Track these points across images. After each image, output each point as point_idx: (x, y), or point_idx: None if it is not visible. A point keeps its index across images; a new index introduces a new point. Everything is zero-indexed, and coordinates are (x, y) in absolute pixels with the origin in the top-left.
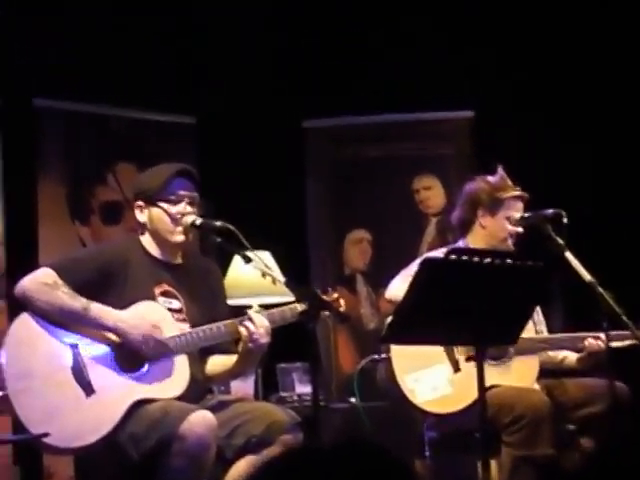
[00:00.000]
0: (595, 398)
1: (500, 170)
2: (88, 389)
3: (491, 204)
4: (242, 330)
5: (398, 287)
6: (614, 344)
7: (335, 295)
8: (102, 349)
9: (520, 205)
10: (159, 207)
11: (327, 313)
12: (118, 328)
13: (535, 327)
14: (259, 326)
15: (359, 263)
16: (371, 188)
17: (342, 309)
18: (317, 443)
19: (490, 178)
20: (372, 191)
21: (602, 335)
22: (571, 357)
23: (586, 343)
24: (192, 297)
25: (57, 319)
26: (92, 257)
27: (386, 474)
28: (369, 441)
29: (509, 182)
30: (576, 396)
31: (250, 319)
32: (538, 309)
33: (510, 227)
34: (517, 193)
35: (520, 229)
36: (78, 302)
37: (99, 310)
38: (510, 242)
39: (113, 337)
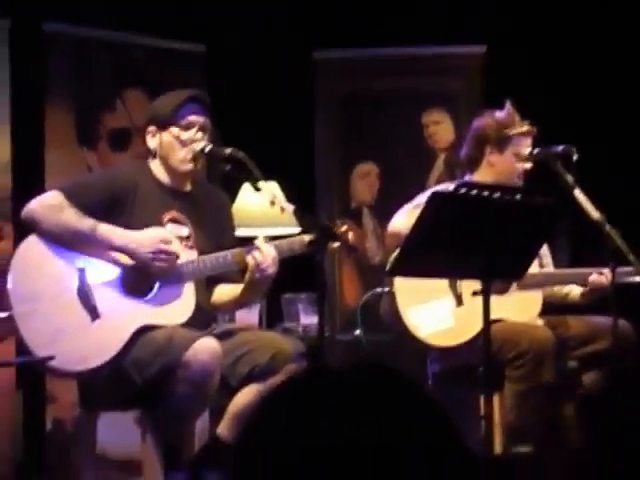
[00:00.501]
0: (598, 335)
1: (508, 105)
2: (93, 313)
3: (499, 141)
4: (249, 259)
5: (401, 221)
6: (620, 280)
7: (344, 227)
8: (109, 273)
9: (529, 141)
10: (170, 132)
11: (335, 245)
12: (127, 246)
13: (541, 260)
14: (267, 256)
15: (366, 196)
16: (380, 121)
17: (351, 241)
18: (326, 365)
19: (498, 114)
20: (381, 124)
21: (606, 271)
22: (575, 291)
23: (590, 278)
24: (200, 225)
25: (64, 240)
26: (101, 181)
27: (402, 396)
28: (383, 364)
29: (517, 117)
30: (579, 333)
31: (258, 249)
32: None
33: (518, 164)
34: (525, 129)
35: (529, 165)
36: (85, 222)
37: (107, 230)
38: (519, 180)
39: (122, 257)
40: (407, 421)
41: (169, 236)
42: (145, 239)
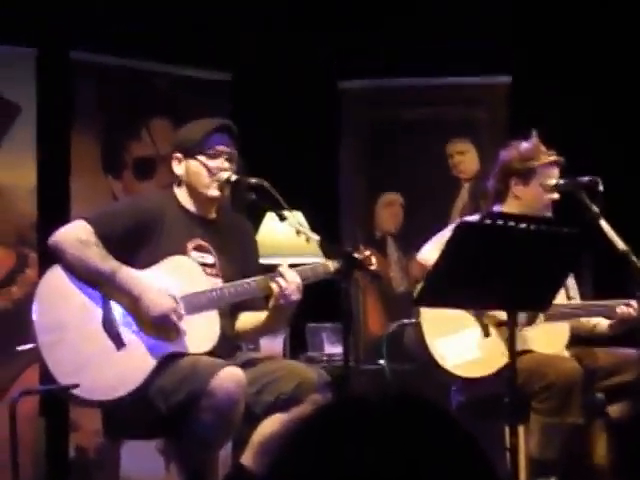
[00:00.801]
0: (625, 367)
1: (534, 136)
2: (119, 342)
3: (524, 173)
4: (273, 286)
5: (430, 250)
6: None
7: (367, 252)
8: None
9: (555, 171)
10: (197, 160)
11: (359, 273)
12: (141, 301)
13: (568, 293)
14: (291, 282)
15: (390, 226)
16: (405, 151)
17: (373, 267)
18: (355, 396)
19: (523, 145)
20: (406, 154)
21: (634, 302)
22: (603, 323)
23: (618, 310)
24: (225, 252)
25: (84, 276)
26: (128, 211)
27: (432, 424)
28: (412, 393)
29: (542, 148)
30: (606, 364)
31: (281, 275)
32: (571, 275)
33: (545, 195)
34: (551, 159)
35: (556, 195)
36: (108, 265)
37: (126, 277)
38: (546, 211)
39: (136, 304)
40: (437, 450)
41: (190, 273)
42: (158, 300)
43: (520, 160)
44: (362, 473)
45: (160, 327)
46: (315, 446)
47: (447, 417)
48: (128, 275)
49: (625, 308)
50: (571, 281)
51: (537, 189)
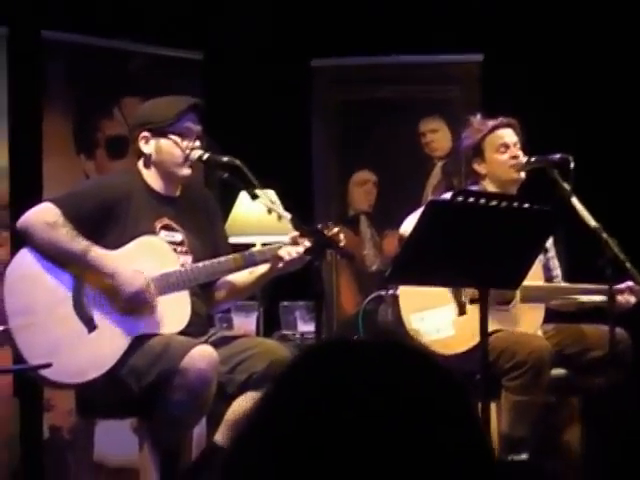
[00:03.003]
0: (596, 343)
1: (472, 119)
2: (90, 324)
3: (477, 150)
4: (281, 252)
5: (412, 223)
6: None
7: (335, 229)
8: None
9: (508, 132)
10: (169, 139)
11: (331, 251)
12: (113, 278)
13: (550, 273)
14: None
15: (363, 204)
16: (378, 129)
17: (342, 243)
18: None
19: (467, 132)
20: (378, 133)
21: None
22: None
23: (619, 298)
24: (193, 229)
25: (55, 258)
26: (94, 191)
27: (425, 372)
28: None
29: (486, 121)
30: (579, 342)
31: (294, 244)
32: (553, 253)
33: (505, 157)
34: (491, 123)
35: (522, 174)
36: (78, 244)
37: (97, 256)
38: (517, 175)
39: (109, 282)
40: (428, 390)
41: (160, 252)
42: (131, 278)
43: (470, 144)
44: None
45: (133, 305)
46: (311, 377)
47: (440, 367)
48: (99, 254)
49: (622, 298)
50: (555, 263)
51: (495, 159)
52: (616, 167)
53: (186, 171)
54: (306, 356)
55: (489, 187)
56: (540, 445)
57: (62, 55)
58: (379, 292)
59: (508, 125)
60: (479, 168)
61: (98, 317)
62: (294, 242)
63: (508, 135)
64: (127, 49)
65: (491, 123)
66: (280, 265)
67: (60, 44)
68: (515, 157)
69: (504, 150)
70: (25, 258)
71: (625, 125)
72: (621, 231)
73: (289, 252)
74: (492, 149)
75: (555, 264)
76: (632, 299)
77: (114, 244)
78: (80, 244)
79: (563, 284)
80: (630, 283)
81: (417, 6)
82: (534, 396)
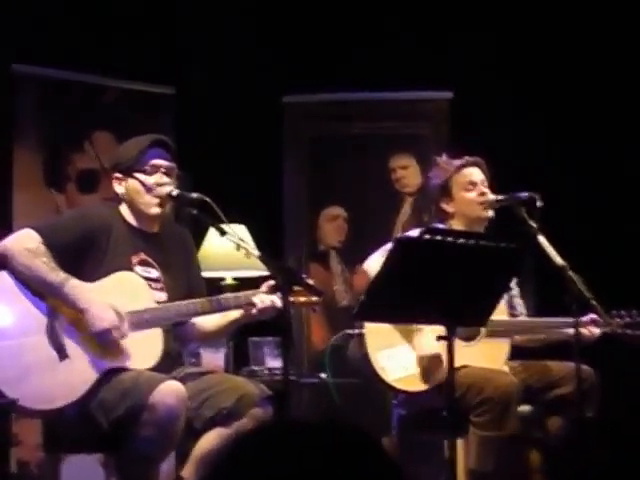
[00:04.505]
0: (563, 380)
1: (438, 160)
2: (62, 353)
3: (444, 190)
4: (255, 299)
5: (377, 260)
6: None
7: (311, 281)
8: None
9: (475, 170)
10: (135, 178)
11: (301, 299)
12: (87, 313)
13: (514, 311)
14: (273, 301)
15: (333, 240)
16: (348, 165)
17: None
18: (290, 418)
19: (434, 171)
20: (349, 168)
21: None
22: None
23: (583, 331)
24: (169, 266)
25: (32, 285)
26: (76, 222)
27: (361, 454)
28: (344, 419)
29: (452, 161)
30: (544, 378)
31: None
32: (517, 292)
33: (473, 195)
34: (457, 162)
35: (490, 212)
36: (56, 275)
37: (73, 289)
38: (484, 213)
39: (81, 316)
40: (363, 477)
41: (136, 288)
42: (104, 315)
43: (437, 181)
44: None
45: (101, 342)
46: (248, 463)
47: (376, 448)
48: (75, 288)
49: (586, 331)
50: (518, 299)
51: (463, 197)
52: (583, 205)
53: (154, 210)
54: (241, 444)
55: (456, 226)
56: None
57: (33, 88)
58: (345, 331)
59: (475, 164)
60: (447, 207)
61: (70, 346)
62: (269, 290)
63: (475, 173)
64: (99, 83)
65: (457, 162)
66: (253, 312)
67: (31, 77)
68: (483, 194)
69: (471, 188)
70: (2, 281)
71: (592, 164)
72: (588, 268)
73: (262, 300)
74: (459, 187)
75: (519, 302)
76: (596, 331)
77: (91, 274)
78: (58, 276)
79: (529, 319)
80: (593, 315)
81: (387, 44)
82: (502, 431)
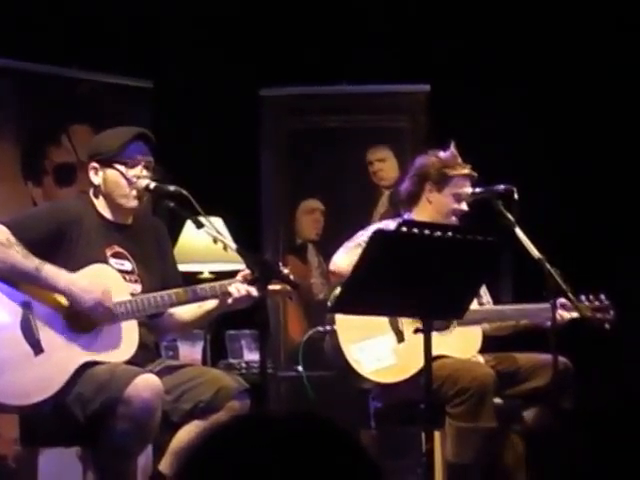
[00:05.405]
0: (539, 372)
1: (452, 147)
2: (37, 348)
3: (439, 180)
4: (231, 288)
5: (342, 258)
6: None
7: (287, 270)
8: (53, 308)
9: (468, 184)
10: (115, 169)
11: (277, 287)
12: (69, 291)
13: (480, 299)
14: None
15: (311, 233)
16: (325, 158)
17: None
18: (264, 411)
19: (441, 154)
20: (326, 161)
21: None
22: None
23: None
24: (143, 258)
25: (8, 277)
26: (46, 215)
27: (334, 448)
28: (318, 414)
29: (459, 160)
30: (521, 369)
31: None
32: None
33: (455, 205)
34: (465, 172)
35: (465, 207)
36: (31, 262)
37: (51, 271)
38: (454, 219)
39: (63, 300)
40: (337, 472)
41: (111, 281)
42: (88, 287)
43: (437, 167)
44: None
45: (93, 317)
46: (220, 456)
47: (349, 440)
48: (53, 270)
49: (557, 314)
50: (483, 289)
51: (449, 197)
52: (562, 197)
53: (133, 203)
54: (214, 436)
55: (424, 215)
56: (485, 473)
57: (9, 82)
58: (317, 328)
59: (472, 179)
60: (430, 196)
61: (46, 341)
62: (244, 280)
63: (467, 189)
64: (75, 76)
65: (467, 170)
66: (229, 301)
67: (7, 71)
68: (461, 210)
69: (457, 199)
70: None
71: (571, 156)
72: (565, 261)
73: (238, 289)
74: (452, 190)
75: (484, 290)
76: (566, 314)
77: (63, 267)
78: (33, 262)
79: (501, 306)
80: (563, 300)
81: (365, 36)
82: (478, 423)
